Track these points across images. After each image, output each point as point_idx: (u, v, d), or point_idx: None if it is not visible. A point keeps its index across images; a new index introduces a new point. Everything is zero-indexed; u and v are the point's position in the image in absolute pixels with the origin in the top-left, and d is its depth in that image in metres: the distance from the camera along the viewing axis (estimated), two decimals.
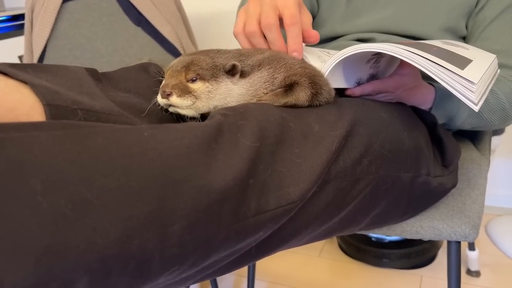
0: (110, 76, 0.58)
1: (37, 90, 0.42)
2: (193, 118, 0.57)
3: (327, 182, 0.51)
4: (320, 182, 0.49)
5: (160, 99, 0.55)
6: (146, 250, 0.35)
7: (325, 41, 1.02)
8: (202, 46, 1.60)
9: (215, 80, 0.55)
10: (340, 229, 0.61)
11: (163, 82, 0.56)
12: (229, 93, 0.55)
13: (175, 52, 1.45)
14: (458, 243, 0.81)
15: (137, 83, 0.59)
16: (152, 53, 1.41)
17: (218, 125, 0.44)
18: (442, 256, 1.41)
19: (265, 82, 0.56)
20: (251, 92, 0.56)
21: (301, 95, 0.54)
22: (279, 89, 0.56)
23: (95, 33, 1.33)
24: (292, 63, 0.57)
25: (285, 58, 0.58)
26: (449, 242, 0.82)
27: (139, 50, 1.40)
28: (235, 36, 0.67)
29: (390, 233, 0.80)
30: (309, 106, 0.56)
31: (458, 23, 0.91)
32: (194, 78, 0.54)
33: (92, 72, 0.54)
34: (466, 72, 0.54)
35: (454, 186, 0.79)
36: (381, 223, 0.72)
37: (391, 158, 0.60)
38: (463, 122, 0.83)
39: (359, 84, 0.69)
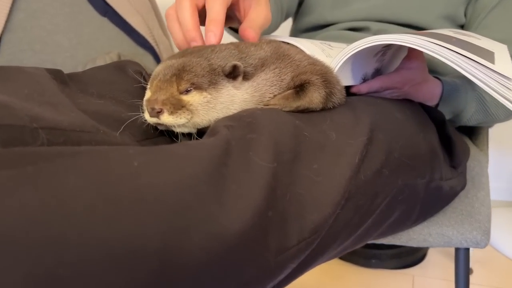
0: (79, 78, 0.47)
1: None
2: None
3: (347, 200, 0.43)
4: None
5: (148, 118, 0.45)
6: None
7: (314, 29, 0.93)
8: None
9: (214, 87, 0.45)
10: (351, 247, 0.54)
11: (150, 95, 0.46)
12: (231, 100, 0.46)
13: (146, 45, 1.34)
14: (467, 249, 0.76)
15: (113, 86, 0.48)
16: (121, 46, 1.29)
17: (225, 142, 0.34)
18: (432, 254, 1.37)
19: (271, 86, 0.47)
20: (256, 98, 0.47)
21: (315, 97, 0.46)
22: (288, 91, 0.47)
23: (56, 25, 1.20)
24: (299, 60, 0.49)
25: (290, 54, 0.49)
26: (457, 249, 0.76)
27: (106, 43, 1.28)
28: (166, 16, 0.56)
29: (395, 242, 0.73)
30: (321, 109, 0.47)
31: (457, 10, 0.85)
32: (189, 89, 0.44)
33: (56, 74, 0.44)
34: (499, 66, 0.46)
35: (463, 188, 0.73)
36: (389, 233, 0.65)
37: (409, 165, 0.53)
38: (469, 118, 0.76)
39: (364, 80, 0.61)
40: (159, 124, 0.45)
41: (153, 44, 1.35)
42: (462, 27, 0.88)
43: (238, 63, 0.45)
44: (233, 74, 0.46)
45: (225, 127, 0.37)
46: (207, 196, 0.30)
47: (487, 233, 0.72)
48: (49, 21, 1.20)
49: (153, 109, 0.43)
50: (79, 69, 1.16)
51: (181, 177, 0.29)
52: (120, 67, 0.53)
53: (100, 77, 0.50)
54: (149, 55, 1.34)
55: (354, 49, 0.51)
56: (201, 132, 0.45)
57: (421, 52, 0.64)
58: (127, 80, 0.51)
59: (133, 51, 1.30)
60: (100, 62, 1.17)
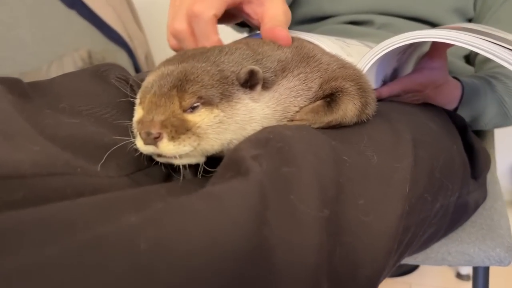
0: (45, 89, 0.36)
1: None
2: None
3: None
4: None
5: (142, 147, 0.34)
6: None
7: (309, 22, 0.84)
8: (150, 33, 1.37)
9: (227, 102, 0.35)
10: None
11: (142, 114, 0.34)
12: (250, 117, 0.35)
13: (119, 40, 1.23)
14: (487, 267, 0.69)
15: (91, 99, 0.37)
16: (91, 41, 1.17)
17: (259, 185, 0.25)
18: None
19: (296, 96, 0.38)
20: (279, 112, 0.37)
21: (349, 109, 0.37)
22: (317, 103, 0.37)
23: (16, 19, 1.09)
24: (327, 63, 0.39)
25: (315, 54, 0.40)
26: (475, 267, 0.69)
27: (75, 38, 1.16)
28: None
29: (410, 261, 0.66)
30: (354, 123, 0.38)
31: (467, 3, 0.79)
32: (196, 105, 0.34)
33: (12, 86, 0.33)
34: None
35: (484, 200, 0.66)
36: (410, 255, 0.57)
37: (447, 185, 0.44)
38: (487, 122, 0.69)
39: (384, 82, 0.53)
40: (157, 154, 0.34)
41: (127, 40, 1.24)
42: (470, 20, 0.81)
43: (256, 68, 0.35)
44: (250, 82, 0.36)
45: (252, 159, 0.27)
46: (251, 279, 0.20)
47: (510, 249, 0.65)
48: (8, 14, 1.07)
49: (148, 134, 0.32)
50: (44, 68, 1.03)
51: (212, 259, 0.19)
52: (99, 72, 0.41)
53: (74, 87, 0.38)
54: (122, 51, 1.22)
55: (387, 48, 0.42)
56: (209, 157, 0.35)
57: (444, 50, 0.57)
58: (109, 90, 0.40)
59: (104, 47, 1.18)
60: (68, 61, 1.05)
